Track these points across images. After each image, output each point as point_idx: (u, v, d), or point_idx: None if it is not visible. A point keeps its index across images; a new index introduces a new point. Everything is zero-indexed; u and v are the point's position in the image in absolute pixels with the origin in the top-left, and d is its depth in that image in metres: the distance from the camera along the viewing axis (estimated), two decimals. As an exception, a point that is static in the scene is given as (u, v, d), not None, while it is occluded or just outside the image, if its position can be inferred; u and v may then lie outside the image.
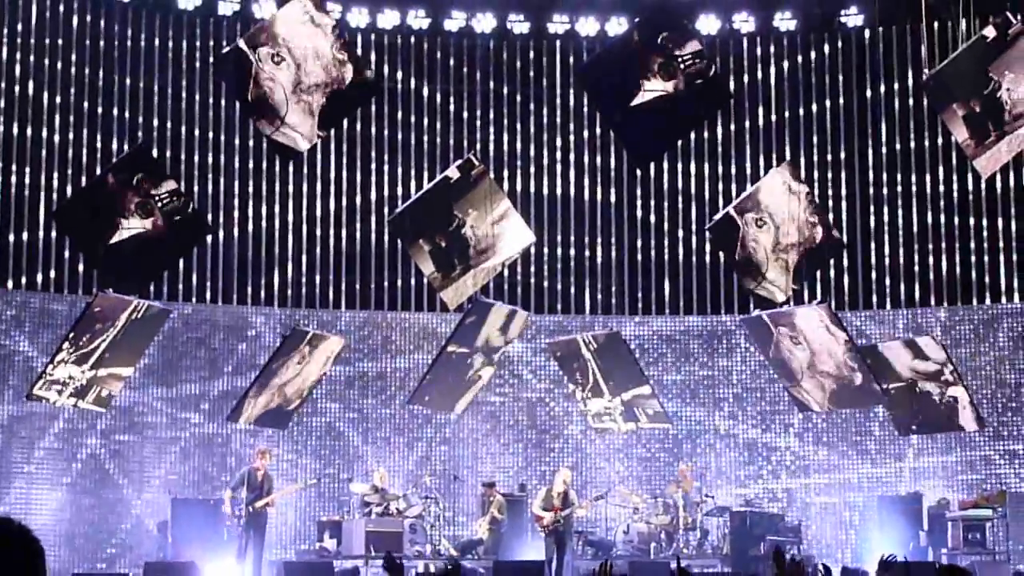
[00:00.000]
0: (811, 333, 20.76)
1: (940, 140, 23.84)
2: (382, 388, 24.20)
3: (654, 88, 18.91)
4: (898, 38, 24.38)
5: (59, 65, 23.09)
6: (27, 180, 22.84)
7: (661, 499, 22.25)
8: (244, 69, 18.64)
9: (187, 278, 23.63)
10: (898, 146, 24.40)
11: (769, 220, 20.63)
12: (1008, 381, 23.62)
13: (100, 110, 23.30)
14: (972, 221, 24.08)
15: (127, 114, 23.46)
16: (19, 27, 22.90)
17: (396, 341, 24.35)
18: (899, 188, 24.42)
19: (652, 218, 24.87)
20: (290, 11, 18.70)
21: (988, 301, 23.93)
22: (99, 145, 23.19)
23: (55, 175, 22.95)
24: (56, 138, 23.03)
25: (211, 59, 23.14)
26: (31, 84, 22.91)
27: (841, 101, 24.64)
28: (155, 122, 23.59)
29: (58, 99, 23.06)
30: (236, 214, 23.99)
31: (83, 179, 22.46)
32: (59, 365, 19.87)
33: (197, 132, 23.92)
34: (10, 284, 22.69)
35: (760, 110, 24.84)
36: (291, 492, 21.76)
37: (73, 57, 23.18)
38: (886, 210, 24.46)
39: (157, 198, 19.84)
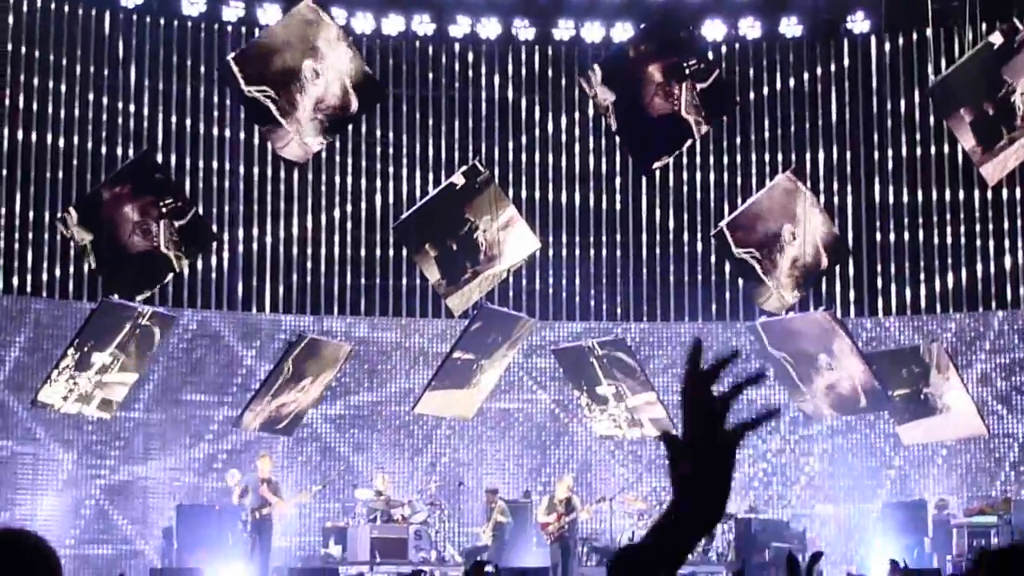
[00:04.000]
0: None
1: (947, 147, 23.80)
2: (388, 394, 24.16)
3: (664, 105, 19.06)
4: (904, 45, 24.35)
5: (64, 70, 23.07)
6: (32, 185, 22.81)
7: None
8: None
9: (192, 284, 23.60)
10: (904, 152, 24.36)
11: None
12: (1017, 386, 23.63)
13: (105, 116, 23.28)
14: (979, 228, 24.04)
15: (132, 120, 23.43)
16: (23, 33, 22.88)
17: (402, 347, 24.32)
18: (905, 193, 24.37)
19: (657, 224, 24.83)
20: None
21: (994, 307, 23.90)
22: (104, 151, 23.16)
23: (59, 180, 22.93)
24: (61, 143, 23.01)
25: (215, 65, 23.10)
26: (35, 90, 22.89)
27: (847, 107, 24.61)
28: (160, 128, 23.56)
29: (63, 105, 23.05)
30: (242, 221, 23.97)
31: (88, 185, 22.44)
32: (64, 371, 19.88)
33: (202, 138, 23.89)
34: (15, 289, 22.67)
35: (765, 115, 24.80)
36: (298, 502, 21.64)
37: (78, 63, 23.17)
38: (892, 215, 24.42)
39: (162, 205, 19.89)
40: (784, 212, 20.85)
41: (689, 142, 21.21)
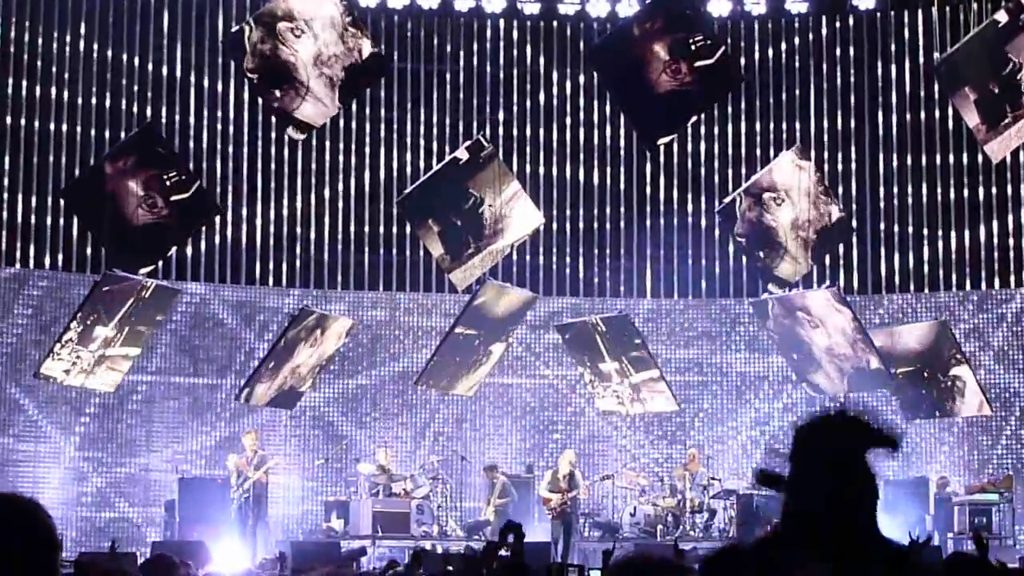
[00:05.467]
0: (825, 316, 20.84)
1: (951, 124, 23.73)
2: (390, 369, 24.16)
3: (669, 82, 19.02)
4: (910, 21, 24.27)
5: (67, 41, 23.00)
6: (35, 158, 22.78)
7: (668, 481, 22.24)
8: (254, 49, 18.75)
9: (195, 258, 23.59)
10: (909, 130, 24.29)
11: (786, 197, 20.66)
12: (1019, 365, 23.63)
13: (108, 88, 23.22)
14: (982, 198, 23.98)
15: (135, 92, 23.37)
16: (28, 3, 22.83)
17: (404, 322, 24.31)
18: (909, 171, 24.32)
19: (662, 199, 24.79)
20: None
21: (997, 285, 23.86)
22: (108, 123, 23.10)
23: (63, 153, 22.89)
24: (64, 115, 22.96)
25: (220, 38, 23.01)
26: (39, 60, 22.84)
27: (852, 84, 24.53)
28: (163, 101, 23.51)
29: (66, 75, 22.98)
30: (245, 195, 23.93)
31: (92, 157, 22.41)
32: (67, 344, 19.89)
33: (206, 111, 23.84)
34: (18, 263, 22.66)
35: (771, 92, 24.73)
36: (268, 468, 21.41)
37: (82, 33, 23.09)
38: (896, 193, 24.36)
39: (165, 178, 19.90)
40: (787, 182, 20.85)
41: (694, 118, 21.20)
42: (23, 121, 22.78)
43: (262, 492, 20.87)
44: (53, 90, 22.92)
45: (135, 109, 23.27)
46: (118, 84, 23.28)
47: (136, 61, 23.40)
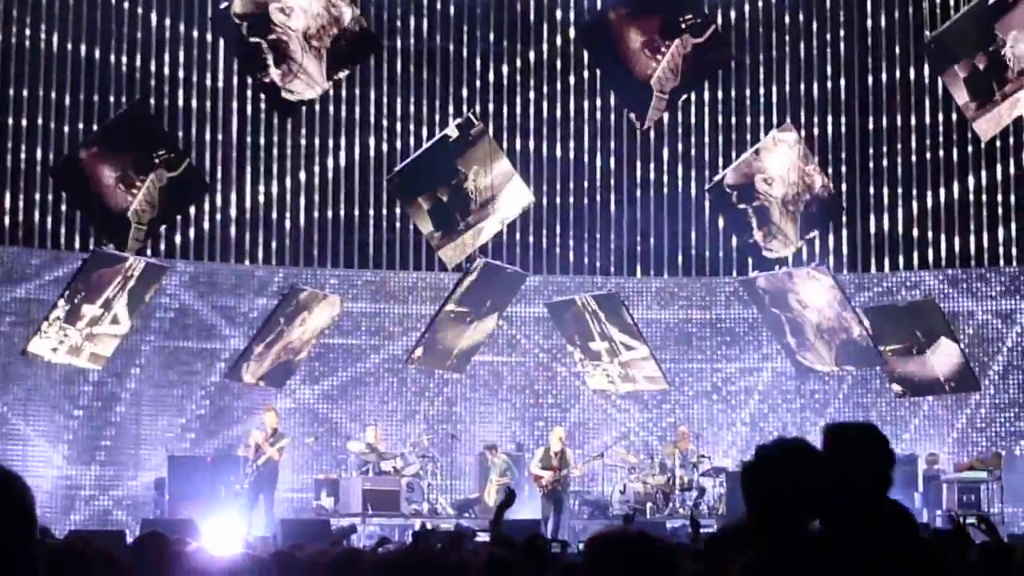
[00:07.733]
0: (813, 294, 20.89)
1: (941, 104, 23.70)
2: (380, 347, 24.15)
3: (648, 65, 19.01)
4: (900, 0, 24.24)
5: (56, 15, 22.86)
6: (24, 133, 22.68)
7: (658, 459, 22.27)
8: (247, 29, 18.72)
9: (184, 236, 23.52)
10: (899, 106, 24.27)
11: (776, 177, 20.67)
12: (1005, 344, 23.66)
13: (98, 62, 23.10)
14: (972, 183, 23.98)
15: (124, 67, 23.25)
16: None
17: (395, 300, 24.29)
18: (899, 151, 24.31)
19: (652, 178, 24.76)
20: None
21: (987, 264, 23.91)
22: (96, 97, 23.01)
23: (51, 127, 22.78)
24: (53, 92, 22.87)
25: (210, 13, 22.89)
26: (27, 32, 22.71)
27: (842, 64, 24.49)
28: (152, 78, 23.40)
29: (55, 49, 22.86)
30: (234, 172, 23.87)
31: (80, 133, 22.34)
32: (54, 323, 19.84)
33: (195, 89, 23.74)
34: (7, 240, 22.58)
35: (761, 71, 24.70)
36: (281, 447, 21.47)
37: (70, 9, 22.98)
38: (886, 173, 24.35)
39: (154, 156, 19.83)
40: (775, 159, 20.85)
41: (683, 97, 21.18)
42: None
43: (275, 469, 20.68)
44: (41, 62, 22.77)
45: (124, 81, 23.15)
46: (107, 56, 23.14)
47: (125, 33, 23.26)
